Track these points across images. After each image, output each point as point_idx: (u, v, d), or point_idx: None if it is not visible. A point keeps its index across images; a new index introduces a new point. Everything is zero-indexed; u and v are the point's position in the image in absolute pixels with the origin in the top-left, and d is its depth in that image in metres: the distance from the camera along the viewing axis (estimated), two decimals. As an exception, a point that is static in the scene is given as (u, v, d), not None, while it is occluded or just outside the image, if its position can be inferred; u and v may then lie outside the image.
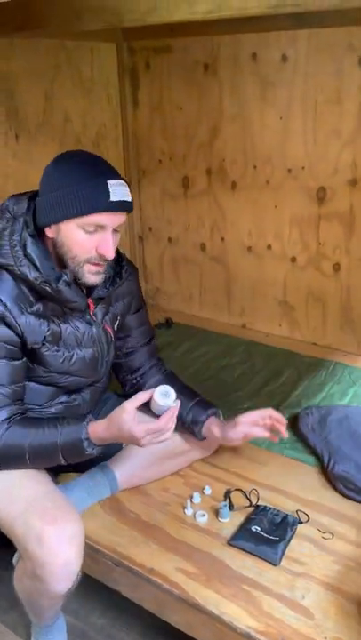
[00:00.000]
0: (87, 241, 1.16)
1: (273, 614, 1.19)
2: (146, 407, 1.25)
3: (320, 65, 1.96)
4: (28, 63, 2.05)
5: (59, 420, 1.23)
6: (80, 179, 1.13)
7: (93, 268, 1.20)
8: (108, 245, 1.17)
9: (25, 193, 1.25)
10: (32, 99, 2.10)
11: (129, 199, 1.18)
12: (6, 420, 1.20)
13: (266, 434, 1.41)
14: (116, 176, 1.17)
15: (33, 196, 1.24)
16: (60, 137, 2.24)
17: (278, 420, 1.42)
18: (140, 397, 1.19)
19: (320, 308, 2.28)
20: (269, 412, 1.43)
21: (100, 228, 1.16)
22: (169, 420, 1.19)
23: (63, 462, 1.23)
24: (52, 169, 1.19)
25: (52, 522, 1.14)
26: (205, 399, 1.52)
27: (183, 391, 1.50)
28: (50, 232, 1.19)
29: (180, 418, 1.43)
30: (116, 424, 1.17)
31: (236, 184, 2.31)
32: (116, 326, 1.41)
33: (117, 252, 1.34)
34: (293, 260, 2.28)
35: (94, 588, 1.49)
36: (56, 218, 1.16)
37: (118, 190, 1.14)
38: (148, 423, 1.17)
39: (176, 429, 1.36)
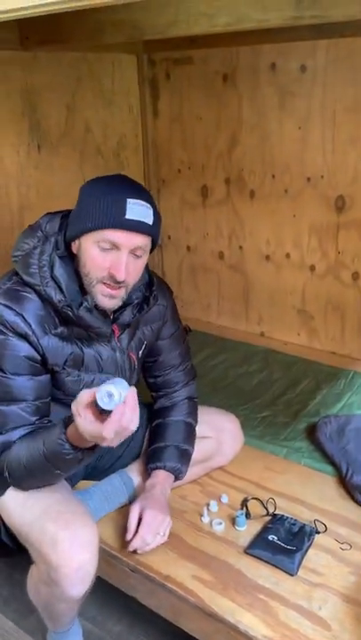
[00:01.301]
0: (101, 258, 1.13)
1: (290, 625, 1.18)
2: None
3: (339, 75, 1.96)
4: (50, 76, 2.10)
5: (45, 429, 1.17)
6: (101, 194, 1.12)
7: (106, 291, 1.16)
8: (119, 266, 1.12)
9: (60, 212, 1.24)
10: (54, 111, 2.14)
11: (148, 221, 1.13)
12: (24, 436, 1.18)
13: (130, 528, 1.32)
14: (139, 196, 1.13)
15: (66, 214, 1.23)
16: (80, 147, 2.28)
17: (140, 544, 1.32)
18: (83, 396, 1.00)
19: (339, 316, 2.27)
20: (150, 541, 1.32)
21: (115, 247, 1.13)
22: (113, 425, 0.97)
23: (60, 472, 1.16)
24: (86, 185, 1.19)
25: (66, 526, 1.14)
26: (189, 455, 1.46)
27: (187, 428, 1.48)
28: (74, 247, 1.18)
29: (160, 440, 1.43)
30: (77, 422, 1.02)
31: (255, 193, 2.32)
32: (141, 352, 1.38)
33: (149, 275, 1.32)
34: (312, 268, 2.27)
35: (112, 595, 1.50)
36: (76, 231, 1.16)
37: (136, 209, 1.11)
38: (94, 424, 0.98)
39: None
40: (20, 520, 1.21)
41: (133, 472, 1.50)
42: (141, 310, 1.28)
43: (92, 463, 1.51)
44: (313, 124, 2.08)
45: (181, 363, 1.51)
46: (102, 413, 0.98)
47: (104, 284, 1.16)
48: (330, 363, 2.23)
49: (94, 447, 1.09)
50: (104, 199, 1.11)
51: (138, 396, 1.02)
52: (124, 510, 1.47)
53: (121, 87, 2.39)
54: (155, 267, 2.77)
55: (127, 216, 1.11)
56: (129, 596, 1.40)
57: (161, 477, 1.41)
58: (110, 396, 0.96)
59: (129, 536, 1.31)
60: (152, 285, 1.31)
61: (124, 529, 1.35)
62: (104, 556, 1.38)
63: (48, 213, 1.25)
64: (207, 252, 2.58)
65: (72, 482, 1.44)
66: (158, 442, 1.45)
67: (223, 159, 2.36)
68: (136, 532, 1.31)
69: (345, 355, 2.29)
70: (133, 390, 1.01)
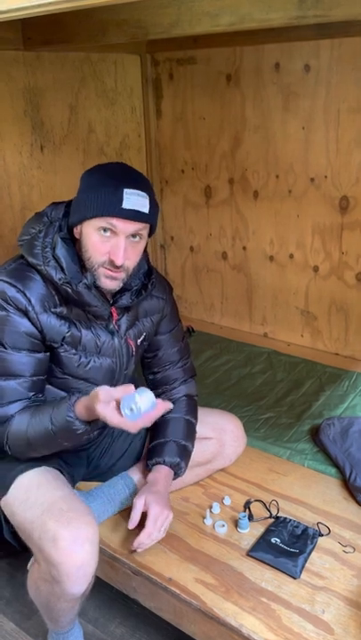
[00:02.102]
0: (101, 244, 1.19)
1: (292, 628, 1.18)
2: None
3: (343, 74, 1.95)
4: (54, 76, 2.09)
5: (49, 404, 1.21)
6: (101, 184, 1.18)
7: (108, 273, 1.22)
8: (117, 251, 1.19)
9: (65, 201, 1.30)
10: (57, 111, 2.14)
11: (144, 210, 1.19)
12: (23, 409, 1.23)
13: (133, 521, 1.33)
14: (137, 186, 1.18)
15: (70, 203, 1.28)
16: (83, 147, 2.28)
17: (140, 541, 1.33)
18: (114, 393, 1.10)
19: (343, 317, 2.26)
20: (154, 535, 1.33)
21: (114, 233, 1.19)
22: (137, 426, 1.11)
23: (67, 444, 1.21)
24: (86, 173, 1.25)
25: (68, 524, 1.15)
26: (189, 451, 1.46)
27: (188, 425, 1.48)
28: (76, 233, 1.24)
29: (160, 437, 1.44)
30: (92, 406, 1.10)
31: (259, 193, 2.31)
32: (139, 342, 1.41)
33: (149, 265, 1.38)
34: (316, 269, 2.26)
35: (114, 597, 1.49)
36: (77, 218, 1.21)
37: (133, 199, 1.17)
38: (119, 418, 1.09)
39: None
40: (22, 518, 1.21)
41: (136, 474, 1.50)
42: (139, 296, 1.33)
43: (95, 462, 1.51)
44: (317, 124, 2.07)
45: (180, 359, 1.53)
46: None
47: (104, 267, 1.22)
48: (333, 364, 2.22)
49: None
50: (102, 189, 1.17)
51: None
52: (126, 513, 1.46)
53: (124, 87, 2.38)
54: (158, 267, 2.77)
55: (124, 205, 1.16)
56: (131, 599, 1.40)
57: (163, 472, 1.42)
58: (131, 410, 1.09)
59: (132, 525, 1.32)
60: (151, 274, 1.37)
61: (133, 531, 1.35)
62: (106, 558, 1.38)
63: (54, 203, 1.31)
64: (211, 252, 2.57)
65: (73, 481, 1.43)
66: (158, 438, 1.46)
67: (227, 159, 2.35)
68: (139, 525, 1.31)
69: (349, 356, 2.28)
70: (166, 404, 1.16)
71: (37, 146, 2.11)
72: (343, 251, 2.17)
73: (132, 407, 1.08)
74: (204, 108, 2.34)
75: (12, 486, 1.25)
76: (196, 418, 1.52)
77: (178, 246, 2.67)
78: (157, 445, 1.45)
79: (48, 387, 1.33)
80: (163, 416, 1.46)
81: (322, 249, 2.22)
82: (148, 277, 1.36)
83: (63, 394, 1.32)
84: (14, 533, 1.28)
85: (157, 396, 1.49)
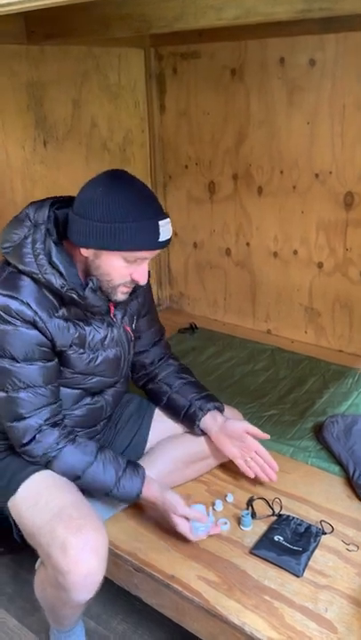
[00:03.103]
0: (125, 269, 1.21)
1: (295, 626, 1.17)
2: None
3: (348, 69, 1.94)
4: (57, 70, 2.08)
5: (117, 463, 1.30)
6: (134, 218, 1.14)
7: (125, 290, 1.26)
8: (144, 275, 1.23)
9: (45, 200, 1.25)
10: (60, 105, 2.13)
11: (170, 235, 1.21)
12: (47, 421, 1.24)
13: (245, 469, 1.48)
14: (164, 215, 1.19)
15: (54, 202, 1.25)
16: (87, 142, 2.26)
17: (271, 465, 1.48)
18: (190, 513, 1.31)
19: (347, 314, 2.25)
20: (267, 457, 1.48)
21: (142, 260, 1.21)
22: (196, 538, 1.34)
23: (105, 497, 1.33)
24: (102, 197, 1.15)
25: (77, 531, 1.14)
26: (213, 395, 1.55)
27: (196, 383, 1.55)
28: (85, 252, 1.20)
29: (184, 406, 1.51)
30: (165, 512, 1.32)
31: (263, 189, 2.30)
32: (133, 325, 1.45)
33: None
34: (320, 265, 2.25)
35: (116, 593, 1.49)
36: (102, 246, 1.17)
37: (166, 230, 1.18)
38: (186, 532, 1.31)
39: (177, 418, 1.52)
40: (30, 521, 1.20)
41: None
42: (135, 290, 1.34)
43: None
44: (322, 118, 2.05)
45: (160, 338, 1.58)
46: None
47: (125, 286, 1.25)
48: (337, 361, 2.21)
49: None
50: (139, 224, 1.15)
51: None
52: (130, 510, 1.46)
53: (128, 82, 2.37)
54: (161, 263, 2.76)
55: (160, 239, 1.18)
56: (133, 595, 1.40)
57: (212, 415, 1.49)
58: (197, 529, 1.33)
59: (268, 476, 1.47)
60: None
61: (136, 528, 1.41)
62: (109, 555, 1.37)
63: (33, 202, 1.26)
64: (214, 248, 2.56)
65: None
66: (183, 408, 1.50)
67: (230, 155, 2.34)
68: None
69: (352, 353, 2.27)
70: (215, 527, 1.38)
71: (40, 140, 2.10)
72: (348, 247, 2.15)
73: (202, 529, 1.34)
74: (208, 102, 2.32)
75: (21, 488, 1.24)
76: (194, 375, 1.59)
77: (181, 242, 2.66)
78: (188, 413, 1.50)
79: (62, 387, 1.33)
80: (175, 390, 1.53)
81: (326, 245, 2.20)
82: None
83: (72, 392, 1.34)
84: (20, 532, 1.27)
85: (148, 377, 1.57)
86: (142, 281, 1.23)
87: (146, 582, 1.33)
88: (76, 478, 1.26)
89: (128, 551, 1.36)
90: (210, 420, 1.48)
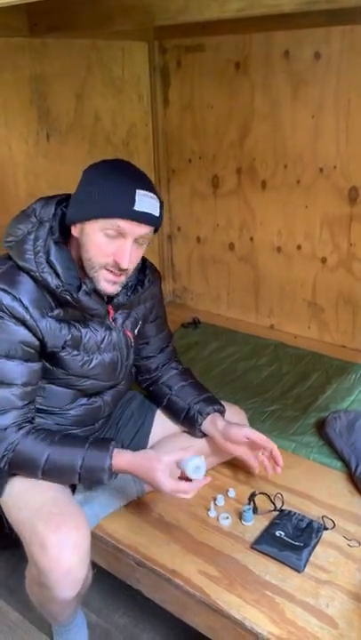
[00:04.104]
0: (106, 245, 1.15)
1: (296, 622, 1.17)
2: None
3: (354, 62, 1.92)
4: (60, 64, 2.07)
5: (80, 442, 1.22)
6: (111, 182, 1.13)
7: (110, 277, 1.18)
8: (124, 253, 1.15)
9: (54, 196, 1.24)
10: (63, 99, 2.12)
11: (155, 213, 1.16)
12: (13, 424, 1.19)
13: (256, 465, 1.44)
14: (147, 188, 1.14)
15: (61, 200, 1.23)
16: (90, 136, 2.25)
17: (276, 459, 1.43)
18: (178, 456, 1.23)
19: (350, 310, 2.24)
20: (272, 447, 1.42)
21: (121, 235, 1.14)
22: (194, 489, 1.23)
23: (77, 482, 1.24)
24: (91, 169, 1.18)
25: (56, 529, 1.13)
26: (215, 397, 1.53)
27: (196, 385, 1.52)
28: (75, 231, 1.18)
29: (184, 408, 1.48)
30: (145, 467, 1.20)
31: (267, 183, 2.28)
32: (136, 331, 1.41)
33: (142, 260, 1.33)
34: (324, 260, 2.24)
35: (118, 587, 1.50)
36: (81, 215, 1.15)
37: (145, 201, 1.13)
38: (176, 483, 1.20)
39: (177, 421, 1.49)
40: (15, 518, 1.21)
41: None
42: (135, 292, 1.31)
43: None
44: (327, 112, 2.03)
45: (168, 344, 1.55)
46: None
47: (106, 269, 1.18)
48: (340, 356, 2.20)
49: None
50: (113, 188, 1.12)
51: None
52: (131, 505, 1.46)
53: (131, 75, 2.35)
54: (164, 259, 2.75)
55: (136, 207, 1.12)
56: (135, 589, 1.40)
57: (214, 418, 1.46)
58: (198, 469, 1.24)
59: (257, 469, 1.42)
60: (145, 269, 1.34)
61: (137, 523, 1.39)
62: (110, 549, 1.38)
63: (42, 198, 1.25)
64: (217, 243, 2.55)
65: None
66: (182, 412, 1.48)
67: (234, 149, 2.32)
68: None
69: (355, 348, 2.26)
70: (208, 479, 1.26)
71: (43, 135, 2.09)
72: (352, 242, 2.14)
73: (198, 465, 1.23)
74: (212, 96, 2.31)
75: (7, 485, 1.24)
76: (196, 378, 1.56)
77: (184, 237, 2.65)
78: (188, 416, 1.47)
79: (51, 386, 1.30)
80: (174, 393, 1.51)
81: (330, 240, 2.19)
82: (142, 272, 1.33)
83: (67, 391, 1.31)
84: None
85: (151, 381, 1.54)
86: (122, 262, 1.14)
87: (147, 576, 1.34)
88: (38, 469, 1.20)
89: (129, 545, 1.36)
90: (210, 425, 1.45)
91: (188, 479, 1.22)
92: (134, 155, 2.45)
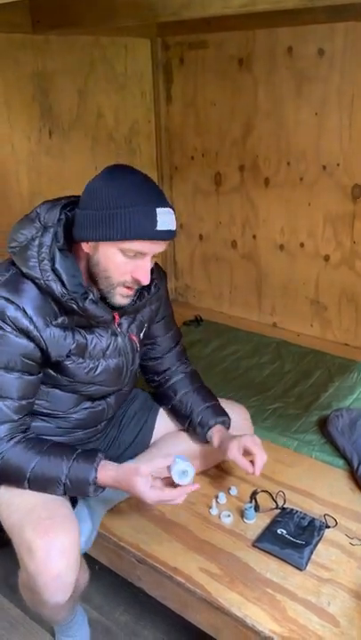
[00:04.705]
0: (124, 265, 1.13)
1: (297, 620, 1.17)
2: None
3: (357, 59, 1.91)
4: (63, 60, 2.07)
5: (68, 453, 1.19)
6: (129, 203, 1.09)
7: (125, 292, 1.18)
8: (145, 272, 1.14)
9: (58, 200, 1.20)
10: (66, 95, 2.12)
11: (174, 228, 1.14)
12: (6, 436, 1.17)
13: (249, 469, 1.35)
14: (165, 203, 1.12)
15: (66, 204, 1.19)
16: (92, 133, 2.25)
17: (256, 468, 1.35)
18: (158, 464, 1.19)
19: (353, 308, 2.24)
20: (260, 456, 1.35)
21: (140, 254, 1.13)
22: (181, 495, 1.19)
23: (63, 494, 1.20)
24: (101, 184, 1.12)
25: (44, 534, 1.12)
26: (219, 406, 1.50)
27: (201, 391, 1.50)
28: (86, 247, 1.15)
29: (187, 416, 1.46)
30: (127, 481, 1.16)
31: (270, 181, 2.28)
32: (142, 334, 1.38)
33: None
34: (327, 258, 2.23)
35: (119, 585, 1.50)
36: (97, 236, 1.12)
37: (166, 219, 1.10)
38: (160, 493, 1.17)
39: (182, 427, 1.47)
40: (6, 522, 1.20)
41: (143, 462, 1.49)
42: (142, 298, 1.28)
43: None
44: (330, 109, 2.03)
45: (176, 345, 1.52)
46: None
47: (125, 286, 1.17)
48: (343, 354, 2.20)
49: None
50: (134, 210, 1.08)
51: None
52: (133, 502, 1.46)
53: (134, 72, 2.35)
54: (167, 256, 2.75)
55: (158, 228, 1.10)
56: (136, 587, 1.40)
57: (222, 429, 1.44)
58: (185, 474, 1.19)
59: (251, 470, 1.34)
60: (152, 274, 1.29)
61: (138, 520, 1.38)
62: (111, 546, 1.38)
63: (46, 202, 1.21)
64: (220, 240, 2.54)
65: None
66: (187, 419, 1.47)
67: (237, 146, 2.32)
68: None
69: (358, 346, 2.25)
70: (196, 486, 1.22)
71: (46, 131, 2.09)
72: (355, 240, 2.13)
73: (184, 470, 1.18)
74: (215, 93, 2.30)
75: (2, 487, 1.23)
76: (202, 382, 1.54)
77: (187, 234, 2.65)
78: (197, 417, 1.45)
79: (55, 391, 1.27)
80: (179, 398, 1.49)
81: (333, 238, 2.19)
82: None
83: (71, 396, 1.29)
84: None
85: (159, 382, 1.52)
86: (143, 280, 1.14)
87: (148, 574, 1.34)
88: (24, 478, 1.17)
89: (131, 543, 1.36)
90: (216, 437, 1.43)
91: (175, 485, 1.20)
92: (137, 152, 2.45)
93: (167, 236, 1.13)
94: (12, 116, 1.97)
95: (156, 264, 1.37)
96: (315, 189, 2.16)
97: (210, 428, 1.44)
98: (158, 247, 1.14)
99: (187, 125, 2.45)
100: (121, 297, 1.19)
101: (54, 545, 1.11)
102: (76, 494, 1.24)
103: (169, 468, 1.19)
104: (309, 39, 1.99)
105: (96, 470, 1.17)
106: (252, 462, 1.34)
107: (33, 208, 1.21)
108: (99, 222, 1.10)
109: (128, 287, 1.18)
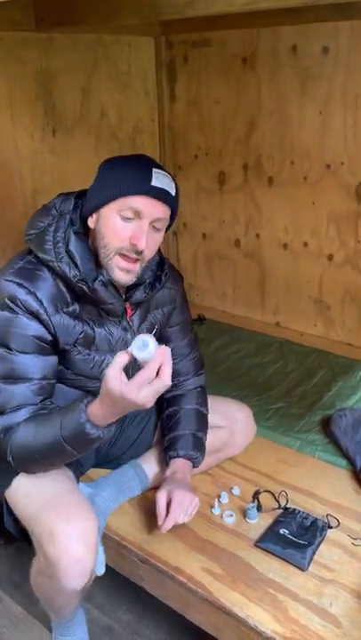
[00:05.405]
0: (122, 229, 1.14)
1: (299, 620, 1.17)
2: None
3: (362, 57, 1.90)
4: (66, 59, 2.06)
5: (57, 412, 1.16)
6: (125, 164, 1.15)
7: (123, 264, 1.16)
8: (141, 234, 1.13)
9: (73, 192, 1.25)
10: (69, 94, 2.11)
11: (171, 192, 1.16)
12: (25, 420, 1.16)
13: (160, 518, 1.29)
14: (161, 169, 1.16)
15: (80, 194, 1.24)
16: (96, 132, 2.25)
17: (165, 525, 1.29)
18: (119, 360, 1.01)
19: (357, 307, 2.23)
20: (173, 516, 1.29)
21: (137, 215, 1.13)
22: (156, 366, 1.00)
23: (75, 454, 1.14)
24: (104, 162, 1.20)
25: (65, 519, 1.13)
26: (199, 439, 1.44)
27: (187, 417, 1.45)
28: (91, 222, 1.18)
29: (168, 429, 1.43)
30: (107, 395, 1.04)
31: (273, 180, 2.27)
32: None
33: (160, 256, 1.32)
34: (330, 257, 2.23)
35: (122, 583, 1.50)
36: (97, 202, 1.16)
37: (162, 178, 1.14)
38: (134, 378, 1.00)
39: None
40: (23, 511, 1.21)
41: (146, 462, 1.49)
42: (153, 289, 1.29)
43: (104, 450, 1.50)
44: (334, 108, 2.02)
45: (191, 352, 1.50)
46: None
47: (121, 255, 1.16)
48: (346, 354, 2.19)
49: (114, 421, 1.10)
50: (129, 168, 1.14)
51: None
52: (135, 501, 1.46)
53: (138, 70, 2.35)
54: (170, 254, 2.75)
55: (153, 183, 1.12)
56: (138, 586, 1.40)
57: (180, 465, 1.40)
58: (146, 345, 0.98)
59: (160, 521, 1.28)
60: (163, 265, 1.32)
61: (141, 519, 1.36)
62: (114, 545, 1.38)
63: (62, 194, 1.26)
64: (223, 239, 2.54)
65: (83, 468, 1.43)
66: (173, 431, 1.44)
67: (241, 144, 2.31)
68: (166, 515, 1.29)
69: (362, 346, 2.25)
70: (165, 350, 1.01)
71: (49, 130, 2.08)
72: (359, 239, 2.13)
73: (144, 341, 0.98)
74: (219, 91, 2.30)
75: (15, 478, 1.23)
76: (207, 409, 1.50)
77: (190, 233, 2.64)
78: (173, 439, 1.43)
79: (60, 385, 1.28)
80: (176, 407, 1.46)
81: (337, 237, 2.18)
82: (160, 268, 1.31)
83: (76, 391, 1.29)
84: (16, 522, 1.27)
85: (169, 390, 1.46)
86: (139, 243, 1.12)
87: (150, 573, 1.34)
88: (34, 452, 1.14)
89: (133, 542, 1.36)
90: (171, 468, 1.39)
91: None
92: (140, 150, 2.44)
93: (162, 194, 1.14)
94: (15, 114, 1.96)
95: (171, 266, 1.39)
96: (319, 188, 2.15)
97: (178, 455, 1.41)
98: (156, 209, 1.14)
99: (190, 124, 2.45)
100: (119, 270, 1.17)
101: (76, 530, 1.13)
102: (82, 445, 1.13)
103: (129, 352, 1.00)
104: (314, 37, 1.98)
105: (85, 409, 1.08)
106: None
107: (49, 200, 1.26)
108: (97, 189, 1.16)
109: (124, 257, 1.15)
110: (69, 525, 1.13)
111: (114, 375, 1.01)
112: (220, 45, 2.23)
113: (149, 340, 0.99)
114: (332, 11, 1.86)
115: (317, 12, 1.85)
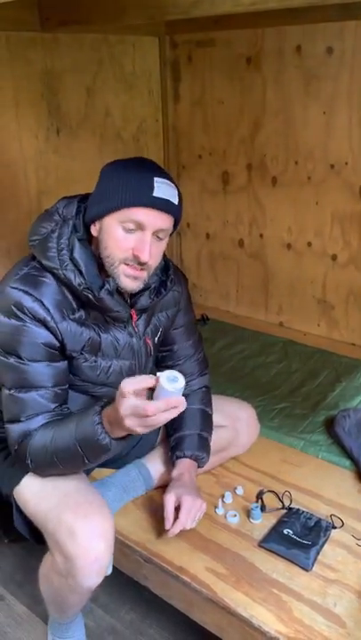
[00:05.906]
0: (124, 240, 1.13)
1: (303, 620, 1.17)
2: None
3: (367, 57, 1.90)
4: (71, 58, 2.06)
5: (74, 415, 1.17)
6: (127, 173, 1.12)
7: (129, 271, 1.15)
8: (144, 246, 1.12)
9: (76, 196, 1.24)
10: (74, 94, 2.12)
11: (174, 201, 1.13)
12: (41, 426, 1.17)
13: (169, 522, 1.29)
14: (164, 176, 1.13)
15: (83, 198, 1.22)
16: (100, 132, 2.25)
17: (174, 529, 1.29)
18: (143, 378, 1.03)
19: (360, 307, 2.22)
20: (182, 521, 1.28)
21: (140, 227, 1.12)
22: (163, 406, 1.00)
23: (87, 461, 1.13)
24: (106, 167, 1.18)
25: (84, 516, 1.14)
26: (200, 437, 1.43)
27: (192, 416, 1.44)
28: (94, 230, 1.17)
29: (173, 429, 1.42)
30: (115, 405, 1.04)
31: (277, 180, 2.27)
32: (157, 339, 1.37)
33: (165, 260, 1.30)
34: (334, 257, 2.23)
35: (125, 583, 1.50)
36: (99, 211, 1.14)
37: (163, 188, 1.11)
38: (135, 401, 1.00)
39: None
40: (35, 509, 1.20)
41: (150, 462, 1.49)
42: (159, 294, 1.28)
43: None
44: (339, 108, 2.02)
45: (195, 353, 1.50)
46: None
47: (126, 265, 1.15)
48: (350, 354, 2.19)
49: (124, 437, 1.10)
50: (130, 177, 1.11)
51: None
52: (139, 501, 1.47)
53: (142, 70, 2.35)
54: (173, 255, 2.75)
55: (155, 194, 1.10)
56: (142, 586, 1.40)
57: (187, 465, 1.40)
58: (175, 380, 1.02)
59: (168, 525, 1.28)
60: (168, 269, 1.31)
61: (145, 519, 1.35)
62: (118, 545, 1.38)
63: (64, 198, 1.24)
64: (227, 239, 2.54)
65: (87, 470, 1.43)
66: (179, 431, 1.43)
67: (245, 144, 2.31)
68: (174, 519, 1.28)
69: (366, 347, 2.25)
70: (183, 403, 1.02)
71: (54, 130, 2.09)
72: (363, 239, 2.13)
73: (175, 377, 1.01)
74: (223, 91, 2.30)
75: (26, 475, 1.23)
76: (211, 409, 1.50)
77: (194, 233, 2.65)
78: (179, 439, 1.43)
79: (71, 393, 1.27)
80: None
81: (341, 237, 2.18)
82: (165, 273, 1.30)
83: (81, 396, 1.29)
84: (27, 524, 1.26)
85: None
86: (141, 255, 1.11)
87: (154, 573, 1.34)
88: (51, 455, 1.14)
89: (137, 542, 1.36)
90: (178, 469, 1.39)
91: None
92: (144, 150, 2.45)
93: (165, 205, 1.11)
94: (20, 113, 1.97)
95: (176, 267, 1.38)
96: (322, 188, 2.15)
97: (184, 456, 1.40)
98: (158, 219, 1.12)
99: (194, 124, 2.45)
100: (126, 277, 1.16)
101: (95, 528, 1.13)
102: (94, 451, 1.11)
103: (157, 378, 1.02)
104: (318, 37, 1.98)
105: (99, 411, 1.08)
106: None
107: (48, 205, 1.24)
108: (99, 197, 1.14)
109: (130, 266, 1.14)
110: (89, 523, 1.13)
111: (130, 381, 1.02)
112: (225, 45, 2.23)
113: (180, 378, 1.02)
114: (337, 11, 1.86)
115: (323, 12, 1.85)
